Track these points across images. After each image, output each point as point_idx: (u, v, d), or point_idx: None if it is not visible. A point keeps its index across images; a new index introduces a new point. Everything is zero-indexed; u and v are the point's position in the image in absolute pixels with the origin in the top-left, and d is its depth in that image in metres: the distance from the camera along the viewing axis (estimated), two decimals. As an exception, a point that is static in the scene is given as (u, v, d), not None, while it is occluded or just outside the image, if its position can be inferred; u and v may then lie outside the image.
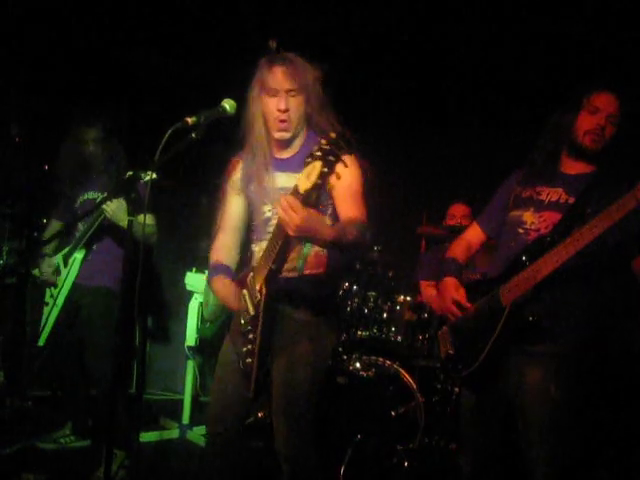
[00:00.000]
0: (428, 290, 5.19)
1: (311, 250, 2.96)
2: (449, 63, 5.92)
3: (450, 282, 3.21)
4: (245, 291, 2.91)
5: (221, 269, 3.09)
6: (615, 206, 2.65)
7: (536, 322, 2.88)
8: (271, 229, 2.88)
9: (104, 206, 4.28)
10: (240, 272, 3.13)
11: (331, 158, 2.40)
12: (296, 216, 2.45)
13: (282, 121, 2.92)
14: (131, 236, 2.70)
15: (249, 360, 2.75)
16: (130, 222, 2.68)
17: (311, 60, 2.96)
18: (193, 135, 2.67)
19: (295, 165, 2.90)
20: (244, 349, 2.80)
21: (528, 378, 2.94)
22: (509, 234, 3.15)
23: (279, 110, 2.89)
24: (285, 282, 2.89)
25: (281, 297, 2.87)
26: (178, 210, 6.33)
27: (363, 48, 6.01)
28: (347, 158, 2.72)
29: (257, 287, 2.80)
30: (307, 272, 2.96)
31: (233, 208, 3.18)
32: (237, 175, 3.16)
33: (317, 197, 2.70)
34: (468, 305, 3.12)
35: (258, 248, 3.03)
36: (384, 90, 6.18)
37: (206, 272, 3.26)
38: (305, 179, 2.46)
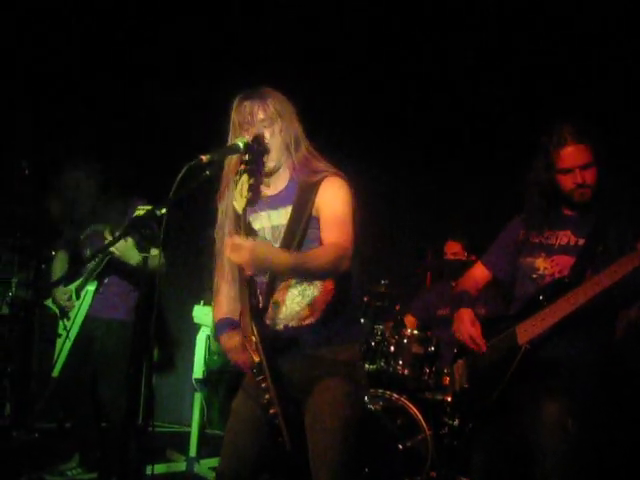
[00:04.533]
0: (409, 324, 5.39)
1: (315, 292, 2.76)
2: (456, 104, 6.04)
3: (466, 314, 3.25)
4: (246, 339, 2.69)
5: (227, 324, 2.87)
6: (635, 254, 2.71)
7: (552, 362, 2.91)
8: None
9: (112, 247, 4.33)
10: None
11: (253, 167, 2.46)
12: (243, 252, 2.36)
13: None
14: (145, 272, 2.73)
15: (272, 411, 2.57)
16: (145, 259, 2.71)
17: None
18: (207, 172, 2.68)
19: (283, 200, 2.80)
20: (264, 401, 2.61)
21: (544, 412, 2.95)
22: (523, 281, 3.19)
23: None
24: (300, 330, 2.74)
25: (301, 343, 2.72)
26: (186, 243, 6.37)
27: (361, 85, 6.12)
28: (334, 180, 2.73)
29: (249, 330, 2.61)
30: (322, 315, 2.75)
31: None
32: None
33: (306, 224, 2.69)
34: (483, 341, 3.15)
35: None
36: (393, 129, 6.29)
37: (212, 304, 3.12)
38: (239, 197, 2.47)
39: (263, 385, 2.60)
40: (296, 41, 6.05)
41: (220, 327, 2.91)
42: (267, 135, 2.75)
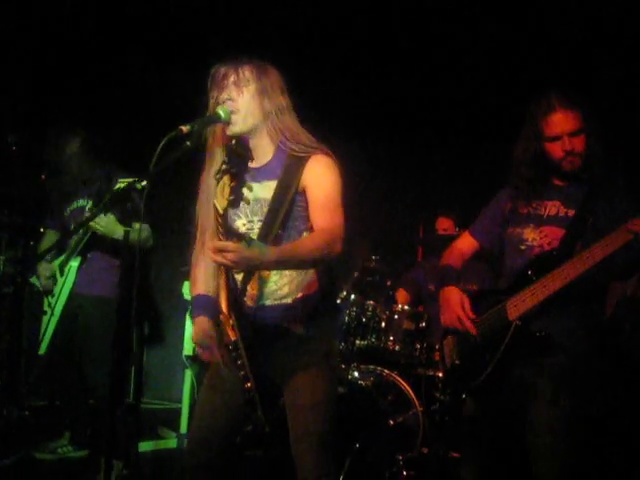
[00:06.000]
0: (401, 298, 5.39)
1: (294, 273, 2.77)
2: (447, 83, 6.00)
3: (453, 292, 3.17)
4: (222, 317, 2.70)
5: (203, 304, 2.85)
6: (625, 227, 2.65)
7: (544, 337, 2.87)
8: None
9: (95, 224, 4.33)
10: None
11: (234, 169, 2.45)
12: (229, 255, 2.35)
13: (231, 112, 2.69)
14: (128, 246, 2.69)
15: (248, 385, 2.62)
16: (127, 233, 2.66)
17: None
18: (188, 143, 2.63)
19: (268, 173, 2.76)
20: (239, 375, 2.64)
21: (537, 389, 2.91)
22: (512, 251, 3.12)
23: (222, 101, 2.69)
24: (278, 308, 2.76)
25: (276, 321, 2.76)
26: (176, 218, 6.33)
27: (357, 65, 6.08)
28: (323, 159, 2.71)
29: (225, 310, 2.64)
30: (300, 295, 2.77)
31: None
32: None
33: (291, 201, 2.67)
34: (473, 316, 3.09)
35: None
36: (384, 106, 6.26)
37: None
38: (221, 197, 2.47)
39: (239, 362, 2.62)
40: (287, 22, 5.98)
41: (196, 306, 2.90)
42: (235, 95, 2.69)
